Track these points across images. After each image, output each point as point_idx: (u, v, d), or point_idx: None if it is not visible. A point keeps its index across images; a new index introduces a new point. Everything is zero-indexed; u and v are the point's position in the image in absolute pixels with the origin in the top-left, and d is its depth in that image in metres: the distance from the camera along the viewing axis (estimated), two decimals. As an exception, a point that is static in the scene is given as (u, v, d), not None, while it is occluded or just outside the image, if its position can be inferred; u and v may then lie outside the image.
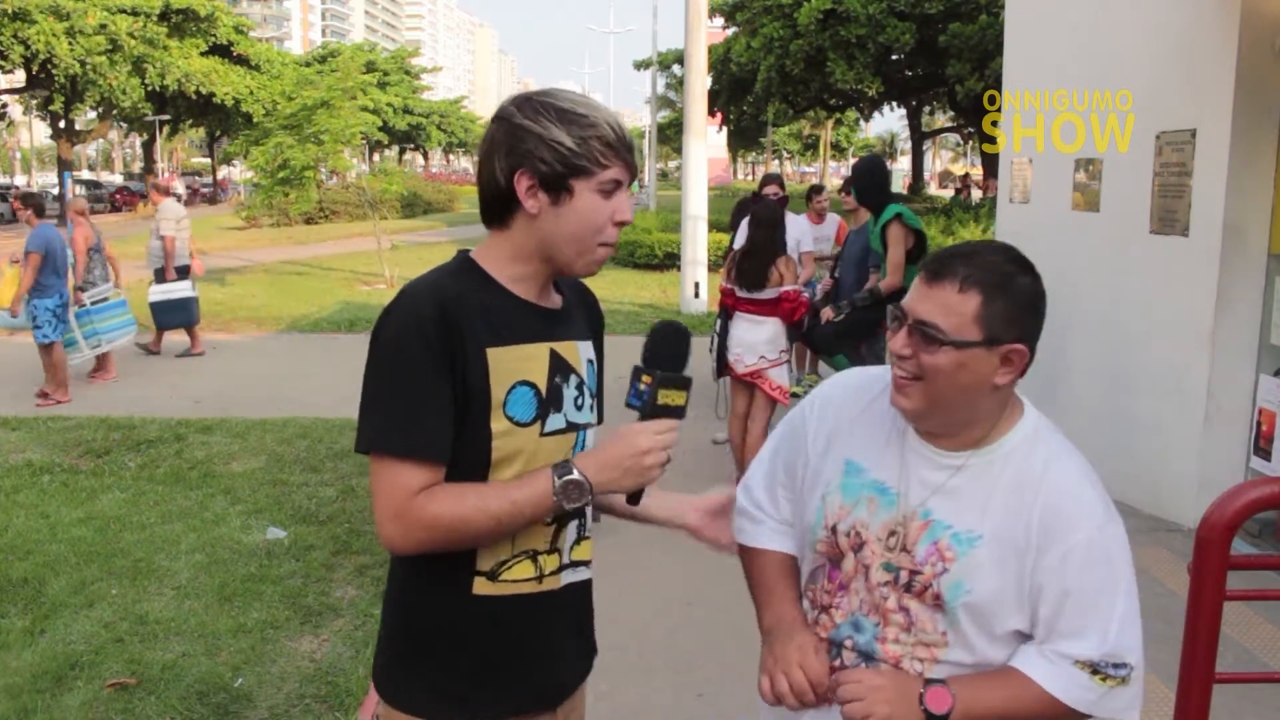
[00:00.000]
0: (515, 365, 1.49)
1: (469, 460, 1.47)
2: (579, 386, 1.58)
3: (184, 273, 9.81)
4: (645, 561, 4.56)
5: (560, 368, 1.54)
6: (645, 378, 1.49)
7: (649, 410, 1.48)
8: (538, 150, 1.45)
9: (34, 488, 5.64)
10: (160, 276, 9.65)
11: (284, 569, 4.50)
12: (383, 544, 1.47)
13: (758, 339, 5.51)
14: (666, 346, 1.53)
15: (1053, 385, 5.89)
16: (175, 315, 9.65)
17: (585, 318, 1.67)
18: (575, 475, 1.44)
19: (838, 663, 1.51)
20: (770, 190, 6.98)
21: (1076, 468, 1.45)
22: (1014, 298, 1.39)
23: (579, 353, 1.59)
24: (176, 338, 10.07)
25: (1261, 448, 4.55)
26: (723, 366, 5.70)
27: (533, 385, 1.50)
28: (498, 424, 1.47)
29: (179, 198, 32.22)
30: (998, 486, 1.42)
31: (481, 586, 1.51)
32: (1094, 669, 1.38)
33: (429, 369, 1.42)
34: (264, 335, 11.49)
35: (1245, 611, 3.81)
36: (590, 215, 1.48)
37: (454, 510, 1.42)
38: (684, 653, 3.65)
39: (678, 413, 1.50)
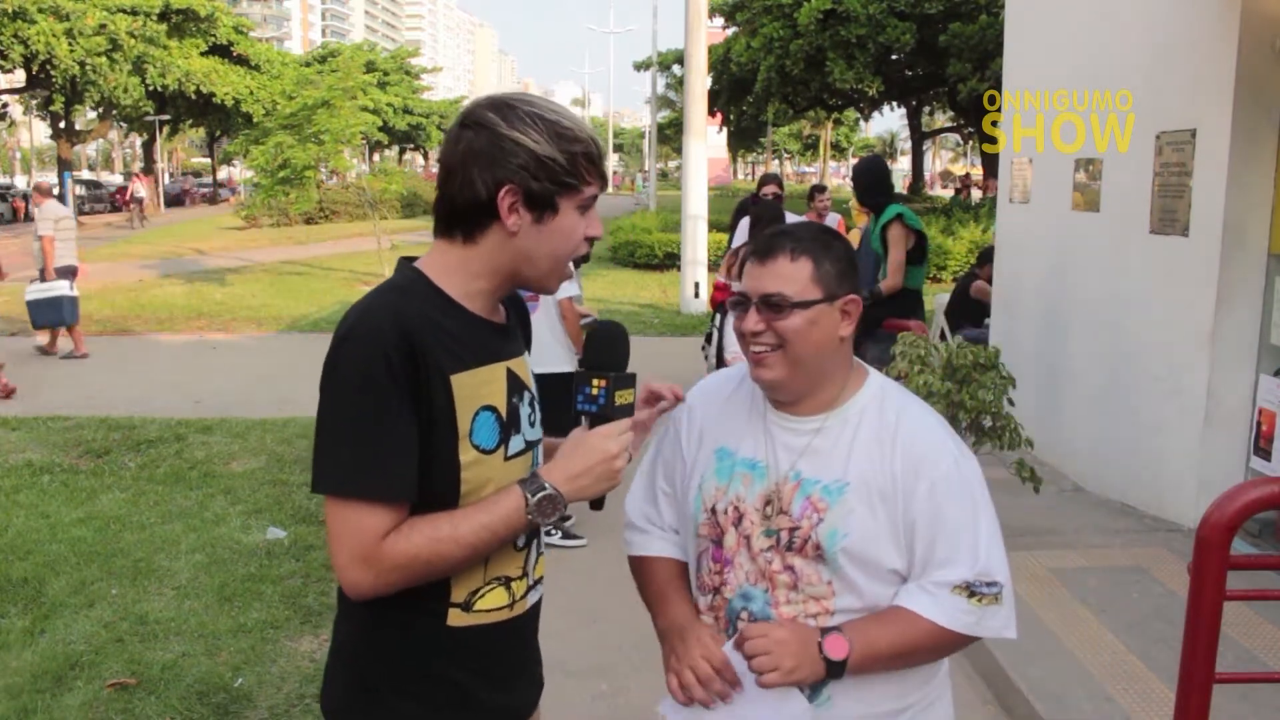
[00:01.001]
0: (479, 390, 1.42)
1: (439, 494, 1.40)
2: (531, 403, 1.54)
3: (68, 273, 9.82)
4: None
5: (516, 386, 1.50)
6: (598, 381, 1.48)
7: (609, 412, 1.47)
8: (529, 165, 1.38)
9: (34, 488, 5.64)
10: (42, 275, 9.72)
11: (284, 569, 4.50)
12: (346, 590, 1.37)
13: None
14: (613, 347, 1.53)
15: (1053, 384, 5.89)
16: (47, 313, 9.67)
17: (523, 329, 1.63)
18: (549, 490, 1.40)
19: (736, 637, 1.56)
20: (768, 190, 6.99)
21: (926, 414, 1.60)
22: (836, 257, 1.57)
23: (527, 367, 1.56)
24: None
25: (1261, 448, 4.54)
26: (721, 362, 5.73)
27: (494, 410, 1.44)
28: (465, 454, 1.40)
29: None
30: (856, 440, 1.55)
31: (456, 618, 1.46)
32: (970, 590, 1.49)
33: (395, 403, 1.33)
34: (264, 335, 11.49)
35: (1245, 611, 3.81)
36: (571, 233, 1.44)
37: (429, 547, 1.35)
38: (684, 653, 3.64)
39: (629, 411, 1.51)
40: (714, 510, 1.61)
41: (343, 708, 1.51)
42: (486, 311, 1.48)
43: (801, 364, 1.54)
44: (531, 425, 1.54)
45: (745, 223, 6.04)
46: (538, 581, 1.58)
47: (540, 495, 1.40)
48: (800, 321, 1.52)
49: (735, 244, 6.19)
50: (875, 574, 1.51)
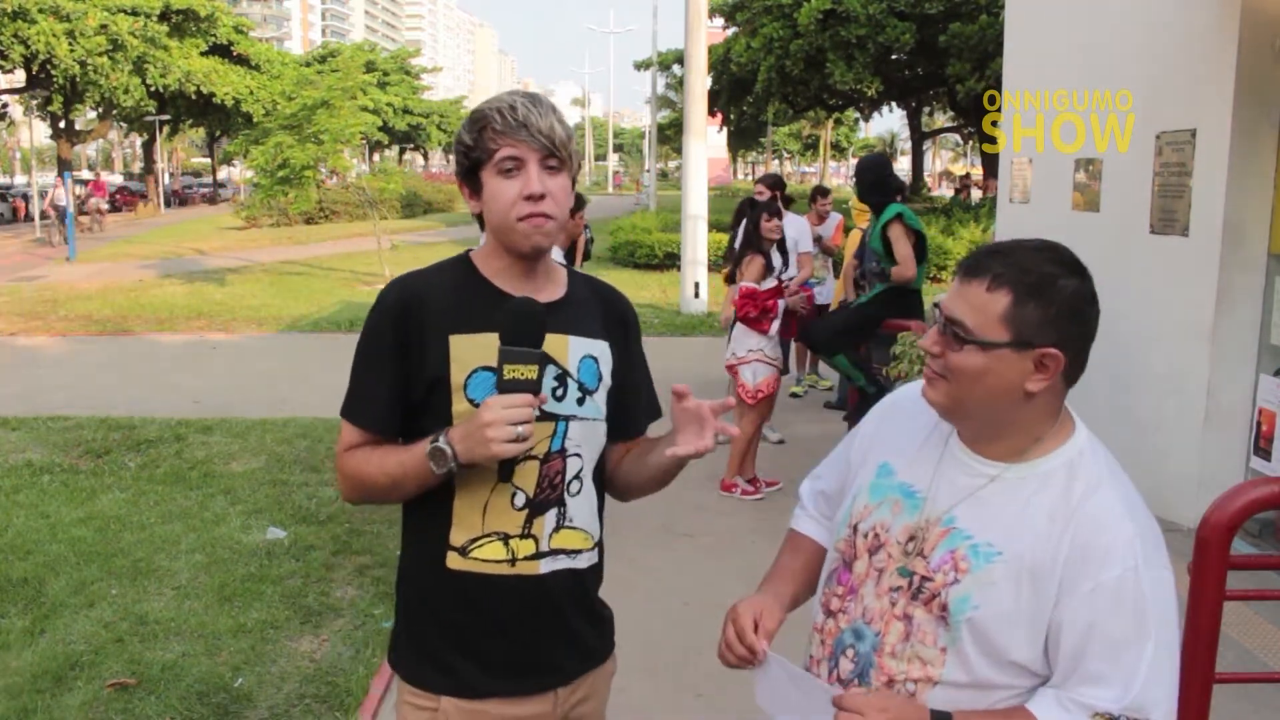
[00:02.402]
0: (479, 352, 1.57)
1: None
2: (559, 377, 1.61)
3: None
4: (645, 561, 4.56)
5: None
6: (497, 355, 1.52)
7: (501, 385, 1.50)
8: (459, 156, 1.64)
9: (34, 488, 5.64)
10: None
11: (284, 569, 4.50)
12: None
13: (735, 336, 5.62)
14: (513, 322, 1.53)
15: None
16: None
17: (600, 315, 1.71)
18: (440, 443, 1.52)
19: (834, 675, 1.47)
20: (757, 190, 6.93)
21: (1120, 500, 1.33)
22: (1051, 300, 1.31)
23: (569, 346, 1.63)
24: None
25: (1261, 448, 4.55)
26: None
27: (495, 371, 1.54)
28: (459, 405, 1.57)
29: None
30: (1030, 506, 1.34)
31: (454, 561, 1.59)
32: None
33: (380, 350, 1.60)
34: (264, 335, 11.49)
35: (1245, 611, 3.81)
36: (499, 196, 1.58)
37: (361, 467, 1.61)
38: (684, 653, 3.65)
39: (529, 386, 1.50)
40: (855, 529, 1.49)
41: (392, 647, 1.73)
42: (516, 287, 1.63)
43: (967, 404, 1.36)
44: (557, 399, 1.61)
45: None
46: (559, 551, 1.62)
47: (433, 445, 1.52)
48: (973, 361, 1.32)
49: (738, 243, 6.18)
50: (995, 659, 1.32)
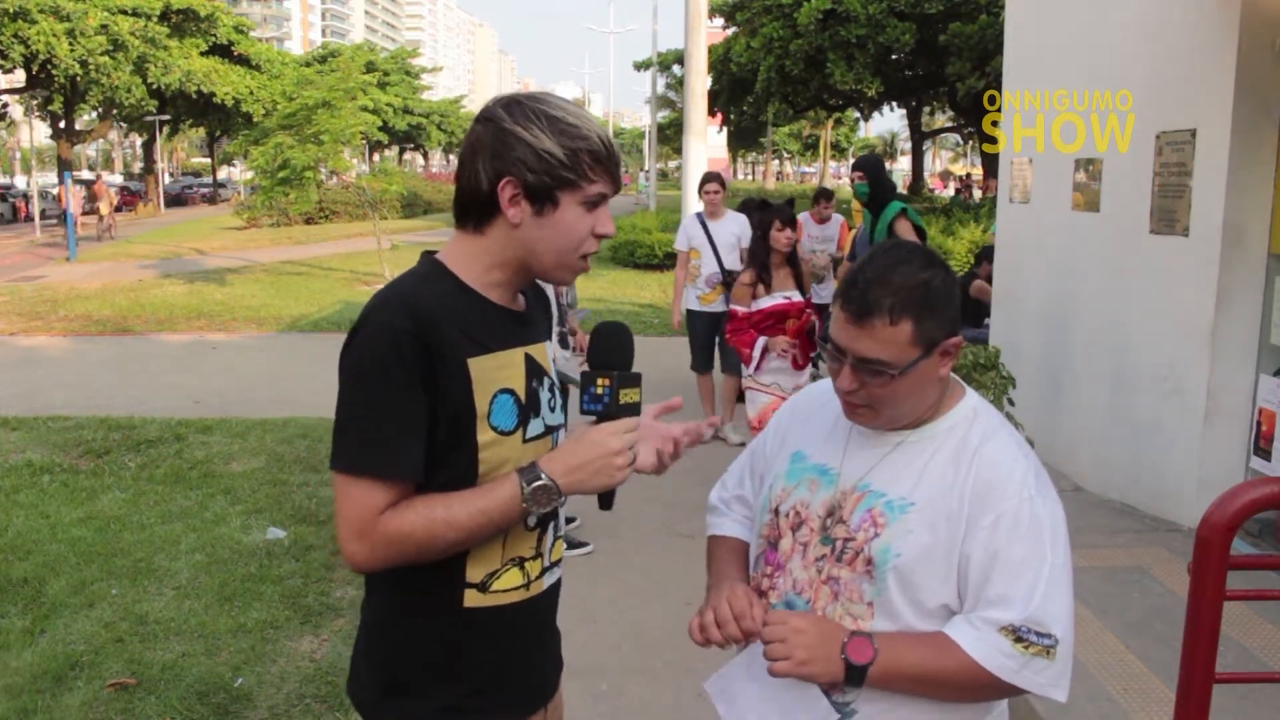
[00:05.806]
0: (496, 374, 1.46)
1: (457, 474, 1.44)
2: (551, 388, 1.57)
3: None
4: (645, 561, 4.55)
5: (535, 371, 1.53)
6: (602, 380, 1.48)
7: (613, 410, 1.47)
8: (526, 159, 1.42)
9: (34, 488, 5.64)
10: None
11: (284, 569, 4.50)
12: (346, 561, 1.44)
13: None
14: (617, 346, 1.51)
15: (1053, 385, 5.88)
16: None
17: (545, 317, 1.66)
18: (544, 480, 1.42)
19: None
20: (708, 189, 6.71)
21: (1013, 444, 1.49)
22: (935, 302, 1.44)
23: (547, 353, 1.59)
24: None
25: (1261, 448, 4.54)
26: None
27: (513, 392, 1.48)
28: (483, 435, 1.44)
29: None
30: (934, 459, 1.47)
31: (473, 599, 1.49)
32: (1016, 635, 1.38)
33: (402, 386, 1.38)
34: (264, 335, 11.49)
35: (1245, 611, 3.81)
36: (573, 227, 1.47)
37: (422, 527, 1.39)
38: (684, 653, 3.64)
39: (635, 410, 1.50)
40: (777, 511, 1.57)
41: (374, 699, 1.54)
42: (505, 300, 1.53)
43: (893, 415, 1.48)
44: (552, 410, 1.57)
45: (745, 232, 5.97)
46: (555, 564, 1.61)
47: (535, 485, 1.42)
48: (900, 387, 1.43)
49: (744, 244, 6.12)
50: (918, 604, 1.43)
